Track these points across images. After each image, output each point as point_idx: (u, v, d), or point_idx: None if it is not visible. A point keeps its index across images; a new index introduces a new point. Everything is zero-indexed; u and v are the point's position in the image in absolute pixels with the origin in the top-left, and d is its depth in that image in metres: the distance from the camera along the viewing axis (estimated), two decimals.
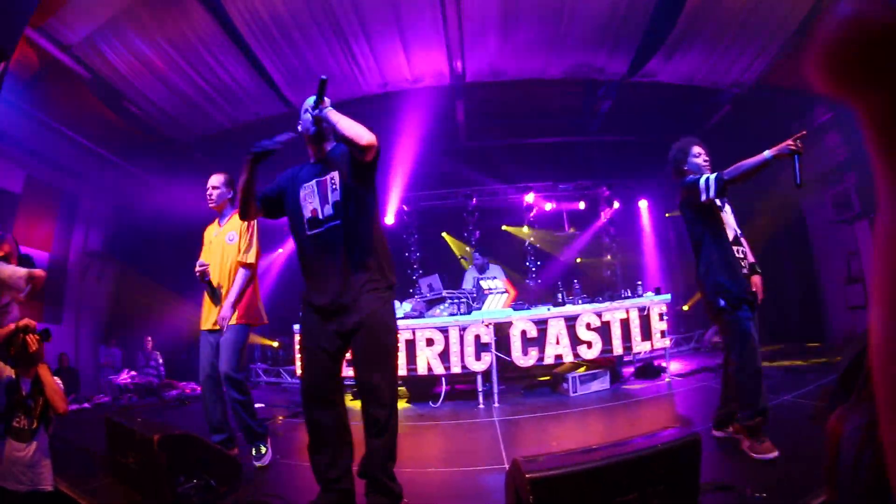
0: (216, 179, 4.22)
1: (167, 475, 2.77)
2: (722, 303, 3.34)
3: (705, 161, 3.59)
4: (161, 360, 9.12)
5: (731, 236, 3.52)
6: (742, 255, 3.53)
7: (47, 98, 7.12)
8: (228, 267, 4.08)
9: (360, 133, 2.69)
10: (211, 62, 7.09)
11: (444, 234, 12.29)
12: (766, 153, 3.03)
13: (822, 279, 9.02)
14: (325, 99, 2.84)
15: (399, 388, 6.38)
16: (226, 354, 3.85)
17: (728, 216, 3.59)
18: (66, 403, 2.96)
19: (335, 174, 2.87)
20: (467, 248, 11.42)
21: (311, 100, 2.87)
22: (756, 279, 3.59)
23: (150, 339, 9.19)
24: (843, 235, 8.32)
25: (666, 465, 2.34)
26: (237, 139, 9.20)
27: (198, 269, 4.00)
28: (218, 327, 3.89)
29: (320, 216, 2.85)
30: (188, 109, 8.09)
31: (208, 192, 4.20)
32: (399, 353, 2.95)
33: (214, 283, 4.06)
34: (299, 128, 3.00)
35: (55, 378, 3.00)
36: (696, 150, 3.62)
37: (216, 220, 4.33)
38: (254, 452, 3.92)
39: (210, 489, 2.96)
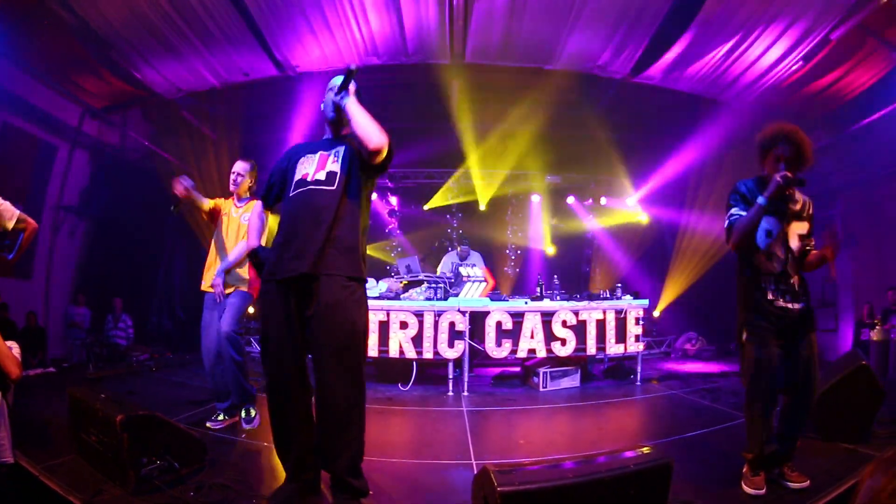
0: (240, 167, 4.49)
1: (130, 457, 2.69)
2: (745, 336, 3.06)
3: (786, 167, 2.94)
4: (131, 323, 8.92)
5: (776, 266, 3.00)
6: (789, 288, 2.99)
7: (30, 42, 6.80)
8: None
9: (371, 135, 2.64)
10: (202, 14, 6.83)
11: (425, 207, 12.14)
12: (760, 200, 2.91)
13: None
14: (350, 88, 2.80)
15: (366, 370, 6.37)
16: (228, 316, 4.19)
17: (778, 244, 3.02)
18: (20, 368, 2.82)
19: (341, 149, 2.84)
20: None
21: (337, 79, 2.84)
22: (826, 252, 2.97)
23: (119, 300, 8.97)
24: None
25: (637, 487, 2.35)
26: (225, 99, 8.99)
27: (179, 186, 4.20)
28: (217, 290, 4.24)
29: (309, 178, 2.78)
30: (176, 63, 7.83)
31: (232, 178, 4.47)
32: (363, 351, 2.76)
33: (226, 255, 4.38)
34: (322, 108, 2.97)
35: (9, 343, 2.86)
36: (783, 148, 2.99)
37: (233, 198, 4.57)
38: (243, 415, 4.26)
39: (173, 471, 2.89)
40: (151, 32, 7.02)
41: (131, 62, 7.64)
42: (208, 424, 4.28)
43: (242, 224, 4.41)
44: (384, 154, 2.69)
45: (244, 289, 4.33)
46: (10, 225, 3.89)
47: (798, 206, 3.10)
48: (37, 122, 7.93)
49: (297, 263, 2.64)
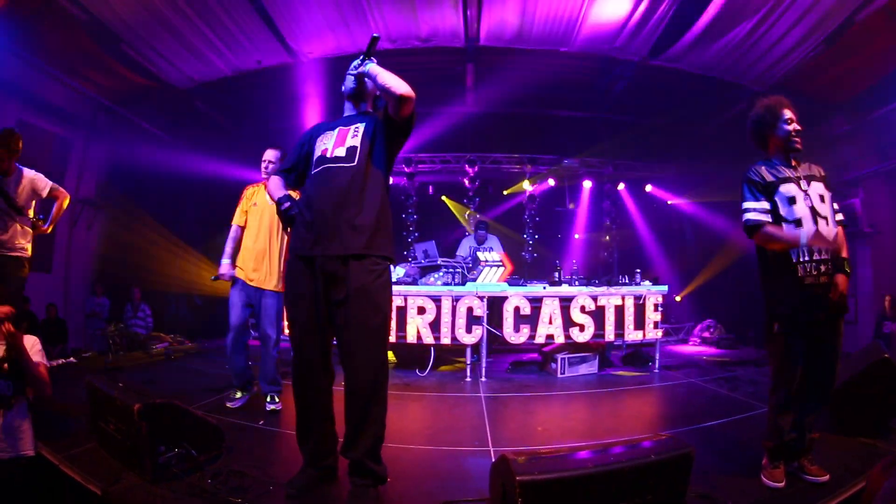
0: (272, 154, 4.56)
1: (148, 445, 2.71)
2: (776, 328, 2.94)
3: (796, 132, 2.97)
4: (149, 312, 9.00)
5: (808, 232, 2.84)
6: (824, 257, 2.85)
7: (41, 40, 6.83)
8: (276, 233, 4.51)
9: (396, 84, 2.64)
10: (213, 4, 6.79)
11: (443, 198, 12.14)
12: (803, 240, 2.79)
13: None
14: (372, 58, 2.82)
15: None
16: (272, 320, 4.46)
17: (802, 206, 2.89)
18: (51, 388, 2.88)
19: (360, 125, 2.83)
20: (467, 213, 11.29)
21: (356, 61, 2.87)
22: (838, 279, 2.87)
23: (138, 289, 9.06)
24: None
25: (657, 477, 2.31)
26: (238, 87, 8.98)
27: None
28: (260, 286, 4.42)
29: (328, 154, 2.78)
30: (188, 54, 7.81)
31: (264, 165, 4.56)
32: (388, 334, 2.79)
33: (266, 247, 4.47)
34: (343, 87, 2.98)
35: (29, 338, 2.89)
36: (788, 114, 2.98)
37: (262, 185, 4.63)
38: (268, 399, 4.48)
39: (191, 458, 2.91)
40: (162, 24, 7.00)
41: (143, 55, 7.63)
42: (228, 405, 4.45)
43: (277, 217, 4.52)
44: (412, 104, 2.67)
45: (279, 288, 4.44)
46: (44, 193, 4.25)
47: (807, 170, 3.03)
48: (52, 117, 8.01)
49: (321, 245, 2.65)
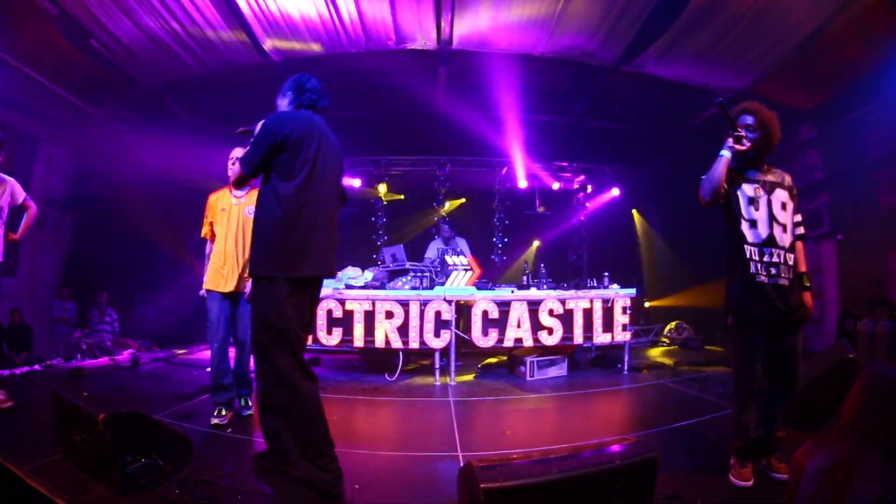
0: (239, 153, 4.39)
1: (114, 455, 2.67)
2: (729, 320, 3.07)
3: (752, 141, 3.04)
4: (116, 317, 8.80)
5: (761, 234, 2.97)
6: (776, 260, 2.94)
7: (7, 34, 6.64)
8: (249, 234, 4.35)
9: None
10: (185, 2, 6.67)
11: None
12: (723, 153, 2.98)
13: None
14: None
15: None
16: (249, 325, 4.25)
17: (762, 209, 2.99)
18: None
19: None
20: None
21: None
22: (805, 297, 3.06)
23: (105, 294, 8.85)
24: (807, 251, 8.70)
25: (623, 482, 2.35)
26: (209, 86, 8.83)
27: None
28: (236, 290, 4.35)
29: None
30: (159, 52, 7.64)
31: (230, 164, 4.43)
32: (278, 347, 2.75)
33: (235, 251, 4.38)
34: None
35: None
36: (749, 120, 3.12)
37: (227, 189, 4.54)
38: (242, 403, 4.53)
39: (158, 468, 2.87)
40: (131, 19, 6.85)
41: (113, 51, 7.46)
42: (215, 421, 4.22)
43: (248, 217, 4.34)
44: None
45: None
46: (19, 201, 4.33)
47: (775, 177, 3.10)
48: (17, 114, 7.77)
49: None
